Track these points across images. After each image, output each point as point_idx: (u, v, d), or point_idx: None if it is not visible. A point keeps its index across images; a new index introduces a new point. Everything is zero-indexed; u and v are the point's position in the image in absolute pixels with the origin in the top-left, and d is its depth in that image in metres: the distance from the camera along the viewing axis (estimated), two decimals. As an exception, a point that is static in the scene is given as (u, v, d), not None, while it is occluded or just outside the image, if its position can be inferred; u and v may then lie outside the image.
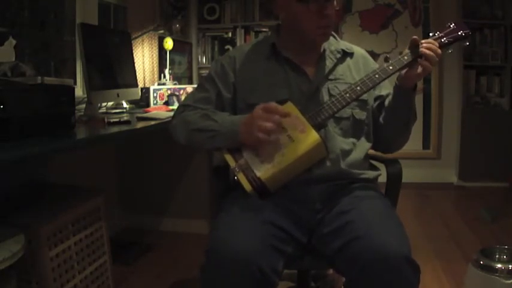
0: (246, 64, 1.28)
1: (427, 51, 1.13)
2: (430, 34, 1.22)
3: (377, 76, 1.16)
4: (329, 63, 1.27)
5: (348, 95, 1.15)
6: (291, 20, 1.22)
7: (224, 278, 0.95)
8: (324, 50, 1.29)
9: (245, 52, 1.30)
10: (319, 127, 1.14)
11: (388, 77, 1.17)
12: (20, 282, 1.32)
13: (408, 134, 1.30)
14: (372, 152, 1.33)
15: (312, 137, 1.09)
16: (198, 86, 1.35)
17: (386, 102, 1.27)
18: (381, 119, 1.28)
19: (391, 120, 1.26)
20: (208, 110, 1.23)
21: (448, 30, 1.21)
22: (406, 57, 1.16)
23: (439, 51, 1.14)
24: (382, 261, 0.93)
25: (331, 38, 1.32)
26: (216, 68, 1.30)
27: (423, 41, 1.16)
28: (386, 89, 1.32)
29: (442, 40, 1.20)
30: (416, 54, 1.14)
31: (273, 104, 1.08)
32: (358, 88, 1.15)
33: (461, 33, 1.20)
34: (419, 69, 1.13)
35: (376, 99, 1.31)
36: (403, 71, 1.17)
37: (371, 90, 1.28)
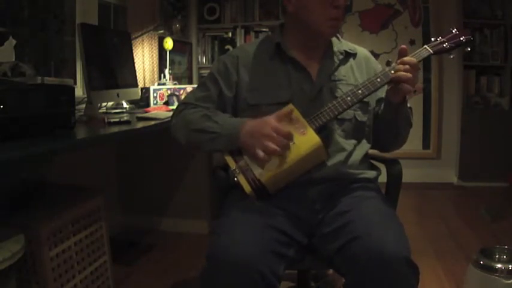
0: (249, 64, 1.27)
1: (401, 74, 1.09)
2: (432, 39, 1.21)
3: (379, 80, 1.15)
4: (332, 64, 1.26)
5: (349, 98, 1.14)
6: (300, 11, 1.21)
7: (224, 283, 0.95)
8: (330, 47, 1.28)
9: (248, 52, 1.30)
10: (319, 130, 1.14)
11: (389, 81, 1.17)
12: (20, 282, 1.32)
13: (402, 138, 1.31)
14: (372, 152, 1.33)
15: (313, 139, 1.09)
16: (199, 84, 1.34)
17: (378, 108, 1.28)
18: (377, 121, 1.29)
19: (383, 127, 1.27)
20: (209, 110, 1.23)
21: (450, 35, 1.21)
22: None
23: (407, 68, 1.10)
24: (381, 262, 0.93)
25: (334, 38, 1.31)
26: (219, 67, 1.29)
27: (400, 61, 1.12)
28: None
29: (444, 45, 1.19)
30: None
31: (285, 130, 1.07)
32: (360, 92, 1.15)
33: (462, 39, 1.20)
34: (399, 88, 1.11)
35: (378, 101, 1.31)
36: (389, 86, 1.16)
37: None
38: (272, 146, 1.05)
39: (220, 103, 1.27)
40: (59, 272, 1.42)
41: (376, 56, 3.80)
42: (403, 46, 1.13)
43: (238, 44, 4.04)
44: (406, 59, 1.12)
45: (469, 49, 1.25)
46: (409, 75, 1.09)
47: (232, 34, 4.11)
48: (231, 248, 0.97)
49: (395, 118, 1.22)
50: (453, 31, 1.21)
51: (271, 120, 1.09)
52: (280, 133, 1.07)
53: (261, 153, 1.06)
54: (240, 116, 1.24)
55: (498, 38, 3.75)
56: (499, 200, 3.10)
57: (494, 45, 3.76)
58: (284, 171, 1.09)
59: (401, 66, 1.11)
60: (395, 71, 1.12)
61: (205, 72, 4.10)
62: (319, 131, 1.13)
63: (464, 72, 3.76)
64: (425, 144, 3.95)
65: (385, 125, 1.26)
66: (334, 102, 1.15)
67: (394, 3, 3.87)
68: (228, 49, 4.01)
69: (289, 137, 1.07)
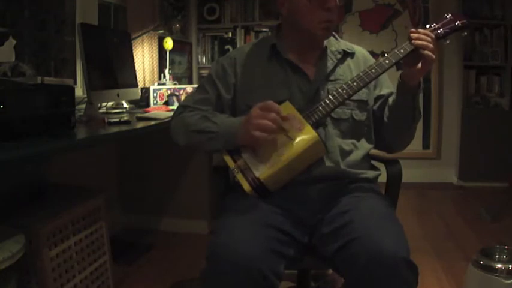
0: (246, 65, 1.28)
1: (419, 41, 1.11)
2: (427, 26, 1.20)
3: (373, 71, 1.15)
4: (329, 64, 1.26)
5: (344, 91, 1.14)
6: (293, 14, 1.21)
7: (225, 283, 0.95)
8: (325, 49, 1.28)
9: (246, 53, 1.30)
10: (317, 125, 1.14)
11: (384, 71, 1.16)
12: (20, 282, 1.32)
13: (412, 133, 1.29)
14: (372, 151, 1.32)
15: (310, 135, 1.09)
16: (198, 87, 1.36)
17: (391, 100, 1.25)
18: (384, 118, 1.27)
19: (395, 118, 1.24)
20: (207, 112, 1.24)
21: (445, 21, 1.20)
22: (402, 50, 1.14)
23: (429, 38, 1.12)
24: (380, 263, 0.93)
25: (332, 38, 1.31)
26: (217, 69, 1.30)
27: (413, 31, 1.13)
28: (387, 88, 1.31)
29: (439, 31, 1.18)
30: (412, 47, 1.12)
31: (270, 102, 1.08)
32: (355, 84, 1.14)
33: (458, 24, 1.19)
34: (421, 63, 1.11)
35: (376, 99, 1.30)
36: (407, 68, 1.15)
37: (371, 90, 1.28)
38: (262, 121, 1.05)
39: (218, 105, 1.27)
40: (59, 272, 1.43)
41: (375, 56, 3.79)
42: (412, 29, 1.13)
43: (238, 44, 4.05)
44: (417, 30, 1.13)
45: (466, 34, 1.24)
46: (426, 42, 1.10)
47: (232, 34, 4.11)
48: (231, 247, 0.97)
49: (412, 107, 1.20)
50: (447, 17, 1.20)
51: (257, 104, 1.10)
52: (264, 108, 1.07)
53: (258, 133, 1.05)
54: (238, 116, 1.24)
55: (498, 38, 3.75)
56: (499, 200, 3.09)
57: (494, 45, 3.76)
58: (283, 169, 1.09)
59: (414, 35, 1.11)
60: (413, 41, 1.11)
61: (205, 72, 4.10)
62: (316, 126, 1.12)
63: (464, 72, 3.76)
64: (425, 144, 3.95)
65: (399, 117, 1.23)
66: (330, 96, 1.15)
67: (394, 3, 3.87)
68: (228, 49, 4.01)
69: (272, 108, 1.07)
